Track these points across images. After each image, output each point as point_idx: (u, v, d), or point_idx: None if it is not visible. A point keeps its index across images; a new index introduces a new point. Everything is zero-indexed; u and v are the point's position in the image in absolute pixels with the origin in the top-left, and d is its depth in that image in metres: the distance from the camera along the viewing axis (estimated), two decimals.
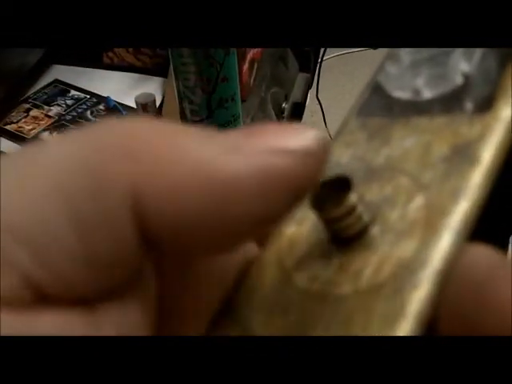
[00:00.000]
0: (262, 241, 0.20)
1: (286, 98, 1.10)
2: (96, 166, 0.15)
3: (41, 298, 0.15)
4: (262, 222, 0.16)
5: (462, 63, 0.20)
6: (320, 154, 0.16)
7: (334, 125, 1.92)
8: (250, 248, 0.20)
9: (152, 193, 0.15)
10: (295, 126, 0.17)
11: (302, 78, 1.19)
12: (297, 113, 1.18)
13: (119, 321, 0.16)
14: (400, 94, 0.20)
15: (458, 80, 0.19)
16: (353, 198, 0.17)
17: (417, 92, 0.20)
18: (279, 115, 1.06)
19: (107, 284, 0.16)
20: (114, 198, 0.15)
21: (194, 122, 0.86)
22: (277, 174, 0.16)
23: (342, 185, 0.17)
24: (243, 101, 0.95)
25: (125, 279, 0.16)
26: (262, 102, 1.03)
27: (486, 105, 0.18)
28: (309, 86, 1.25)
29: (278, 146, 0.16)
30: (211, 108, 0.84)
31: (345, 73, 2.27)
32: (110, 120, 0.16)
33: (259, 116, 1.01)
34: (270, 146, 0.16)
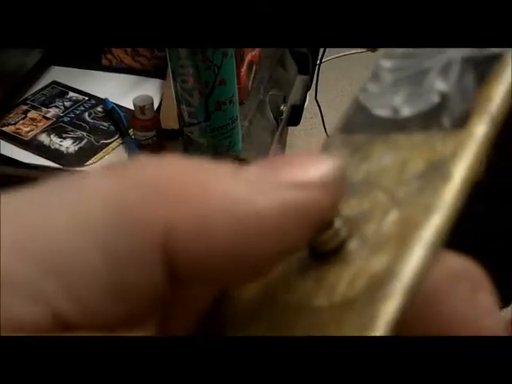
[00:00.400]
0: None
1: (285, 101, 1.10)
2: (132, 204, 0.16)
3: (61, 325, 0.15)
4: (284, 254, 0.17)
5: (439, 82, 0.20)
6: (337, 182, 0.17)
7: (332, 127, 1.92)
8: None
9: (182, 231, 0.16)
10: (312, 156, 0.17)
11: (300, 80, 1.19)
12: (295, 115, 1.18)
13: None
14: (380, 112, 0.21)
15: (435, 98, 0.20)
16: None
17: (396, 110, 0.21)
18: (278, 118, 1.06)
19: (131, 314, 0.16)
20: (147, 236, 0.16)
21: (192, 124, 0.86)
22: (298, 208, 0.16)
23: None
24: (241, 103, 0.95)
25: (148, 309, 0.17)
26: (260, 104, 1.03)
27: (463, 122, 0.19)
28: (307, 89, 1.25)
29: (298, 180, 0.17)
30: (209, 110, 0.84)
31: (343, 75, 2.28)
32: (145, 159, 0.17)
33: (257, 119, 1.01)
34: (290, 180, 0.17)
